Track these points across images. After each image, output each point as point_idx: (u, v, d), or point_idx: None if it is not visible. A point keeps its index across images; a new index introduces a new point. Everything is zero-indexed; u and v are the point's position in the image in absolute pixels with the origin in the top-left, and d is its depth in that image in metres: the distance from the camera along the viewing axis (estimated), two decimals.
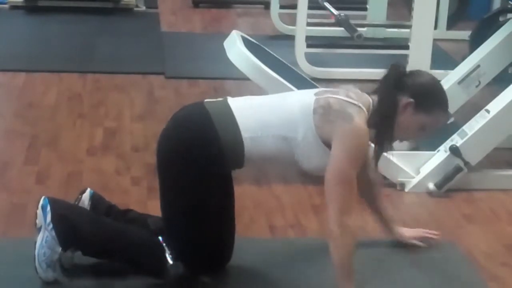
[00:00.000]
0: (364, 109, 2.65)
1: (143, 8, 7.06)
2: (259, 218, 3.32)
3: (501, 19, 5.38)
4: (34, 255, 2.68)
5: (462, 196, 3.63)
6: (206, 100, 2.78)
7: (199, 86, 5.01)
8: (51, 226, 2.68)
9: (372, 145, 2.77)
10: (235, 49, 3.66)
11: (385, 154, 2.78)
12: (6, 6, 6.79)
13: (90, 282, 2.75)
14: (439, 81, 2.83)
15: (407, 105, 2.68)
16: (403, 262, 2.98)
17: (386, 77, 2.74)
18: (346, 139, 2.57)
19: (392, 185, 3.65)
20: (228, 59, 3.70)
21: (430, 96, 2.72)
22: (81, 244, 2.72)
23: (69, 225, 2.69)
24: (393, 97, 2.69)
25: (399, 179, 3.66)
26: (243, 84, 4.34)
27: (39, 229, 2.72)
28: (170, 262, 2.67)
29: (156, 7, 7.13)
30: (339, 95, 2.66)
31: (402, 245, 3.08)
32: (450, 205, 3.55)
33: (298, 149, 2.66)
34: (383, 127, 2.69)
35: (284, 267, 2.91)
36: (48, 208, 2.71)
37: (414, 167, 3.68)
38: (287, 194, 3.54)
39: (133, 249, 2.73)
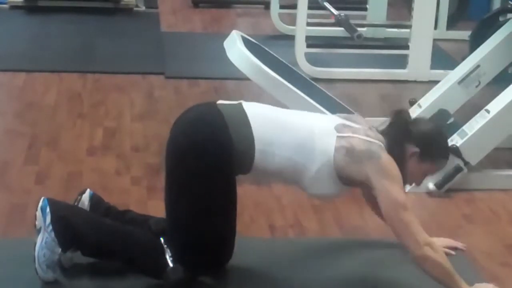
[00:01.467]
0: (383, 145, 2.72)
1: (143, 8, 7.05)
2: (259, 218, 3.32)
3: (501, 19, 5.38)
4: (34, 256, 2.68)
5: (462, 196, 3.63)
6: (218, 102, 2.78)
7: (199, 86, 5.01)
8: (50, 227, 2.68)
9: None
10: (235, 49, 3.66)
11: None
12: (6, 6, 6.78)
13: (90, 283, 2.74)
14: (441, 129, 2.92)
15: (413, 154, 2.77)
16: (403, 262, 2.98)
17: (393, 125, 2.82)
18: (383, 173, 2.66)
19: None
20: (228, 59, 3.70)
21: (434, 146, 2.81)
22: (80, 245, 2.72)
23: (69, 226, 2.69)
24: (401, 146, 2.77)
25: None
26: (243, 84, 4.35)
27: (39, 231, 2.72)
28: (170, 264, 2.67)
29: (156, 7, 7.13)
30: (359, 135, 2.71)
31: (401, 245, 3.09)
32: (450, 205, 3.55)
33: (307, 176, 2.71)
34: None
35: (284, 267, 2.91)
36: (48, 209, 2.71)
37: None
38: (287, 194, 3.54)
39: (132, 249, 2.73)
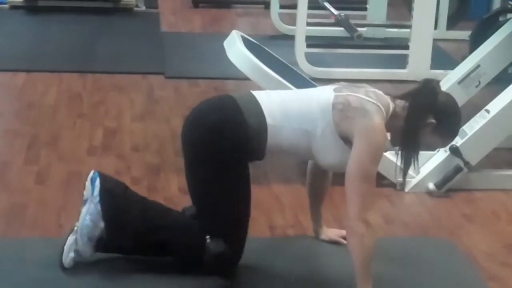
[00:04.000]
0: (383, 109, 2.68)
1: (143, 8, 7.06)
2: (259, 218, 3.31)
3: (501, 19, 5.39)
4: (77, 227, 2.72)
5: (462, 196, 3.63)
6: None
7: (199, 86, 5.01)
8: (97, 199, 2.72)
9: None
10: (235, 49, 3.66)
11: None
12: (6, 6, 6.78)
13: (93, 282, 2.74)
14: (460, 111, 2.87)
15: (429, 124, 2.73)
16: (402, 262, 2.98)
17: (419, 92, 2.78)
18: (367, 135, 2.61)
19: (392, 185, 3.65)
20: (228, 59, 3.70)
21: (450, 125, 2.80)
22: (124, 220, 2.73)
23: (115, 201, 2.74)
24: (423, 113, 2.73)
25: (399, 179, 3.65)
26: (243, 84, 4.33)
27: (85, 201, 2.75)
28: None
29: (156, 7, 7.13)
30: (358, 94, 2.70)
31: (401, 245, 3.09)
32: (450, 205, 3.56)
33: (316, 144, 2.71)
34: (409, 141, 2.74)
35: (284, 266, 2.91)
36: (97, 181, 2.75)
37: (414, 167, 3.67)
38: (287, 194, 3.54)
39: (175, 229, 2.76)
